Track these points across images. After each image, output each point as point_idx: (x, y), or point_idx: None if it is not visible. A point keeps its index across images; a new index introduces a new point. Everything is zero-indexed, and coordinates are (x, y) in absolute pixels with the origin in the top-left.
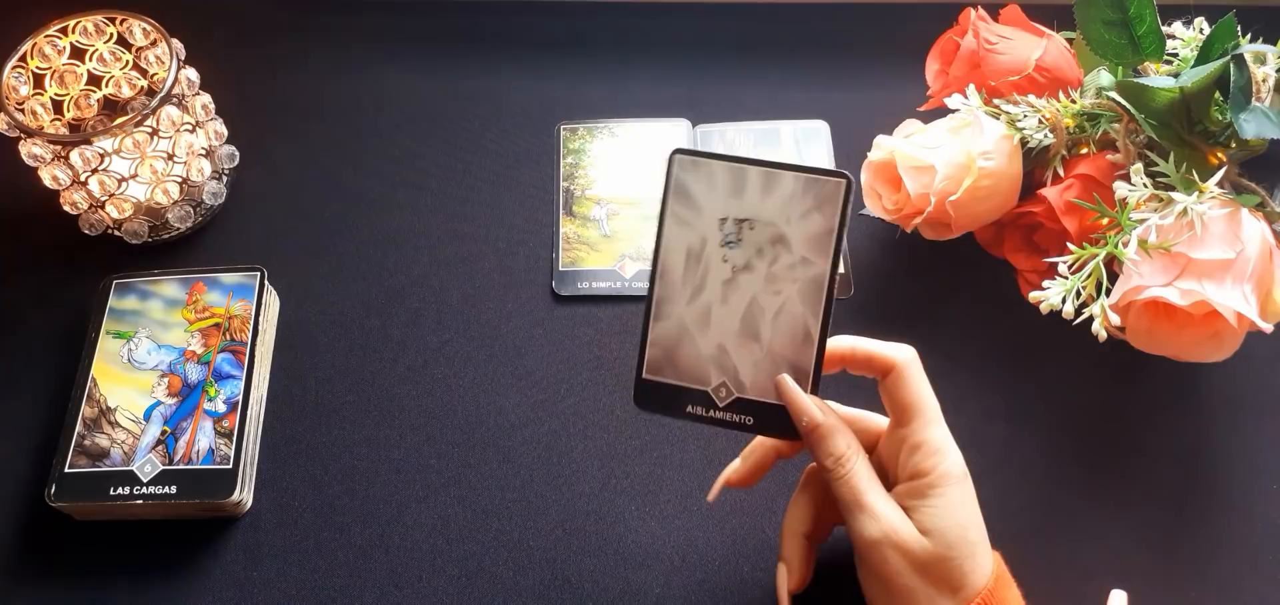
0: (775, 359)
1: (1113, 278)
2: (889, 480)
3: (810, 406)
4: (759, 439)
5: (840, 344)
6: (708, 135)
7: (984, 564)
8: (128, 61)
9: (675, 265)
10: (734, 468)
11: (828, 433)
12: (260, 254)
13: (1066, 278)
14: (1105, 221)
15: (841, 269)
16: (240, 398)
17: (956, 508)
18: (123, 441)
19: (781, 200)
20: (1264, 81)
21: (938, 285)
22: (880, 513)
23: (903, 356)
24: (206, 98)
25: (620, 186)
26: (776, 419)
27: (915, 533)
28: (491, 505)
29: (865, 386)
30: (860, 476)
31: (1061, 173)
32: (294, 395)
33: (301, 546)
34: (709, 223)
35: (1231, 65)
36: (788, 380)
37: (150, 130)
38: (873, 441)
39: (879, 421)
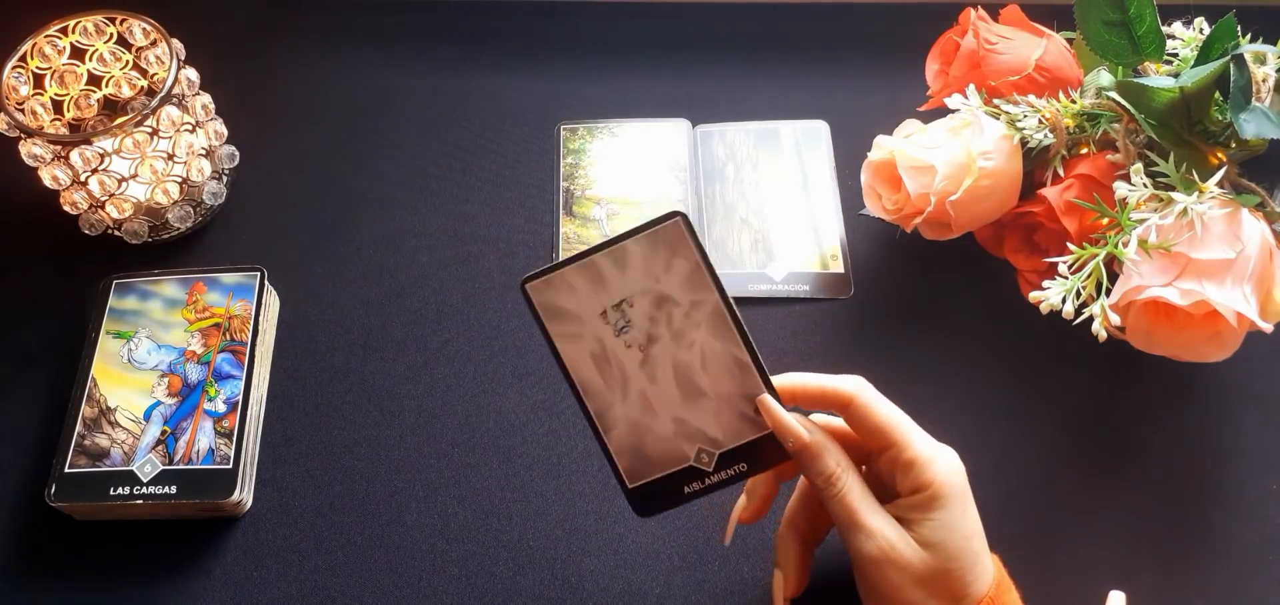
0: (726, 400)
1: (1113, 278)
2: (887, 492)
3: (795, 427)
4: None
5: (788, 382)
6: (707, 135)
7: (985, 571)
8: (128, 61)
9: (591, 377)
10: (742, 505)
11: (816, 452)
12: (260, 254)
13: (1066, 278)
14: (1105, 221)
15: (841, 269)
16: (240, 398)
17: (958, 520)
18: (123, 441)
19: (639, 267)
20: (1264, 81)
21: (938, 285)
22: (876, 530)
23: (855, 387)
24: (206, 98)
25: (620, 186)
26: (765, 451)
27: (915, 547)
28: (491, 505)
29: None
30: (852, 494)
31: (1061, 173)
32: (294, 395)
33: (301, 546)
34: (594, 322)
35: (1231, 65)
36: (771, 402)
37: (150, 130)
38: (866, 455)
39: None
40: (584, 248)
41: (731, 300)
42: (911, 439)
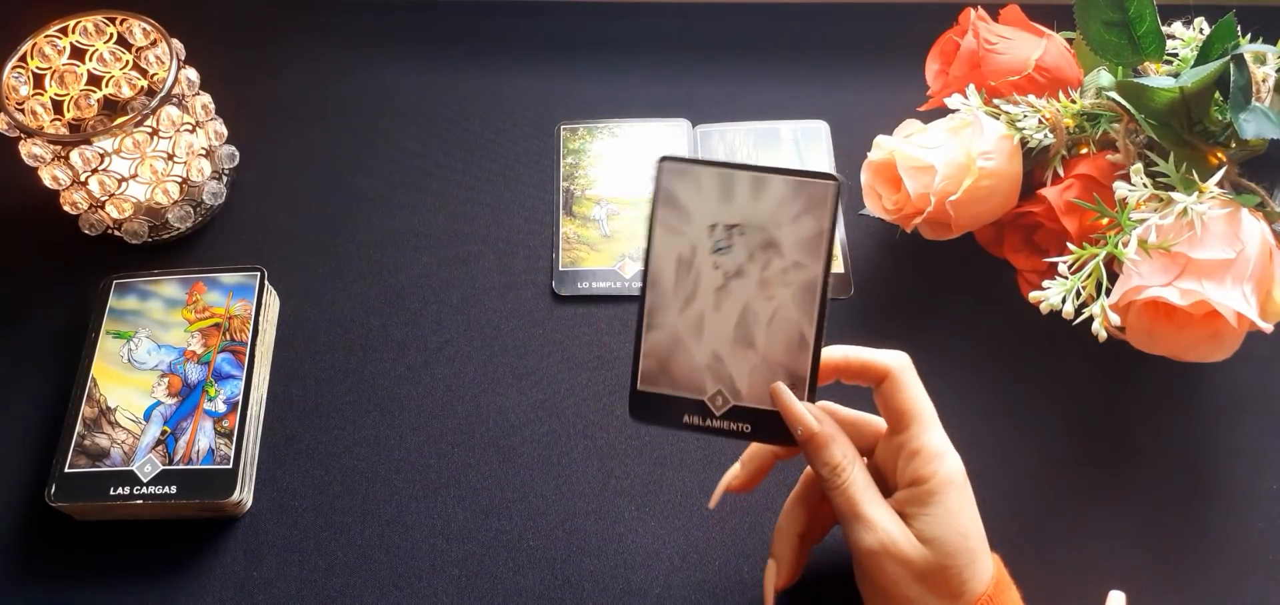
0: (771, 365)
1: (1113, 278)
2: (888, 486)
3: (805, 415)
4: (757, 444)
5: (832, 354)
6: (707, 135)
7: (984, 569)
8: (128, 61)
9: (666, 274)
10: (734, 473)
11: (824, 442)
12: (260, 254)
13: (1066, 278)
14: (1105, 221)
15: (841, 269)
16: (240, 398)
17: (956, 515)
18: (123, 441)
19: (771, 204)
20: (1264, 81)
21: (938, 285)
22: (878, 523)
23: (896, 362)
24: (206, 98)
25: (620, 186)
26: (774, 426)
27: (914, 541)
28: (491, 505)
29: (863, 389)
30: (856, 486)
31: (1061, 173)
32: (294, 395)
33: (301, 546)
34: (699, 229)
35: (1231, 65)
36: (783, 388)
37: (150, 130)
38: (871, 445)
39: (878, 424)
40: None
41: (829, 286)
42: (925, 428)
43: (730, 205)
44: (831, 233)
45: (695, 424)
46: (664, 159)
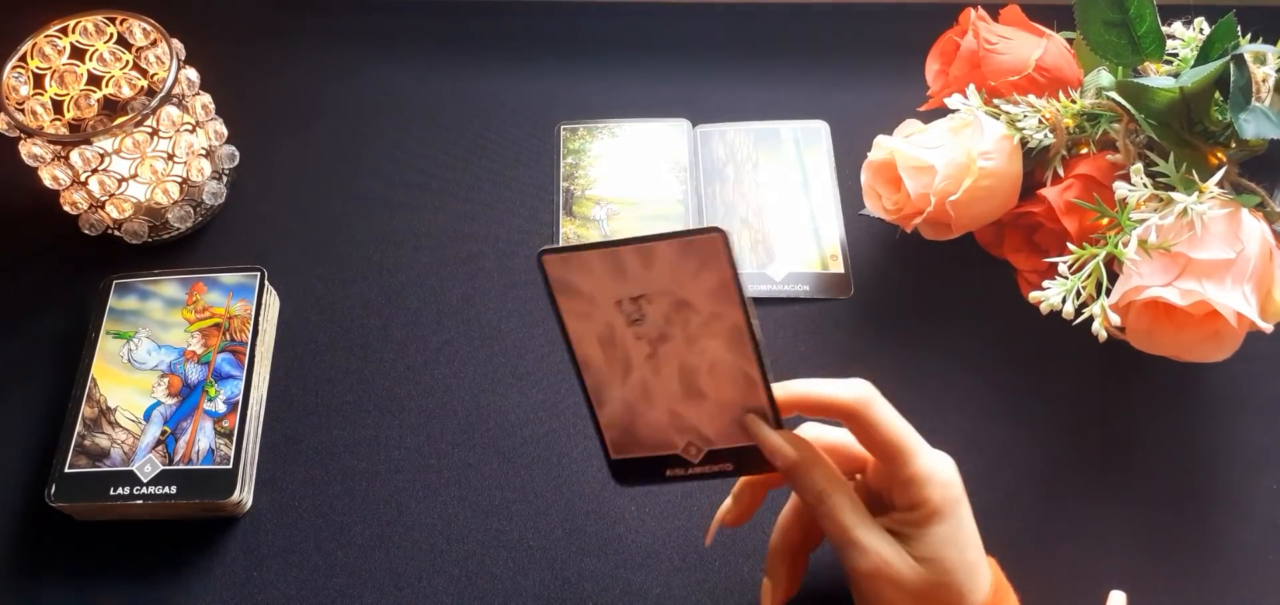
0: (727, 407)
1: (1113, 278)
2: (881, 504)
3: (783, 446)
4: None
5: (791, 390)
6: (707, 135)
7: (982, 581)
8: (128, 61)
9: (594, 355)
10: (727, 508)
11: (805, 471)
12: (260, 254)
13: (1066, 278)
14: (1105, 221)
15: (841, 269)
16: (240, 398)
17: (954, 534)
18: (123, 441)
19: (665, 268)
20: (1264, 81)
21: (938, 285)
22: (870, 547)
23: (859, 397)
24: (206, 98)
25: (620, 186)
26: (755, 457)
27: (910, 563)
28: (491, 505)
29: None
30: (844, 512)
31: (1061, 173)
32: (294, 395)
33: (301, 546)
34: (607, 308)
35: (1231, 65)
36: (757, 420)
37: (150, 130)
38: (861, 464)
39: None
40: (611, 238)
41: (755, 320)
42: (913, 455)
43: (626, 280)
44: (735, 278)
45: (679, 475)
46: (543, 253)
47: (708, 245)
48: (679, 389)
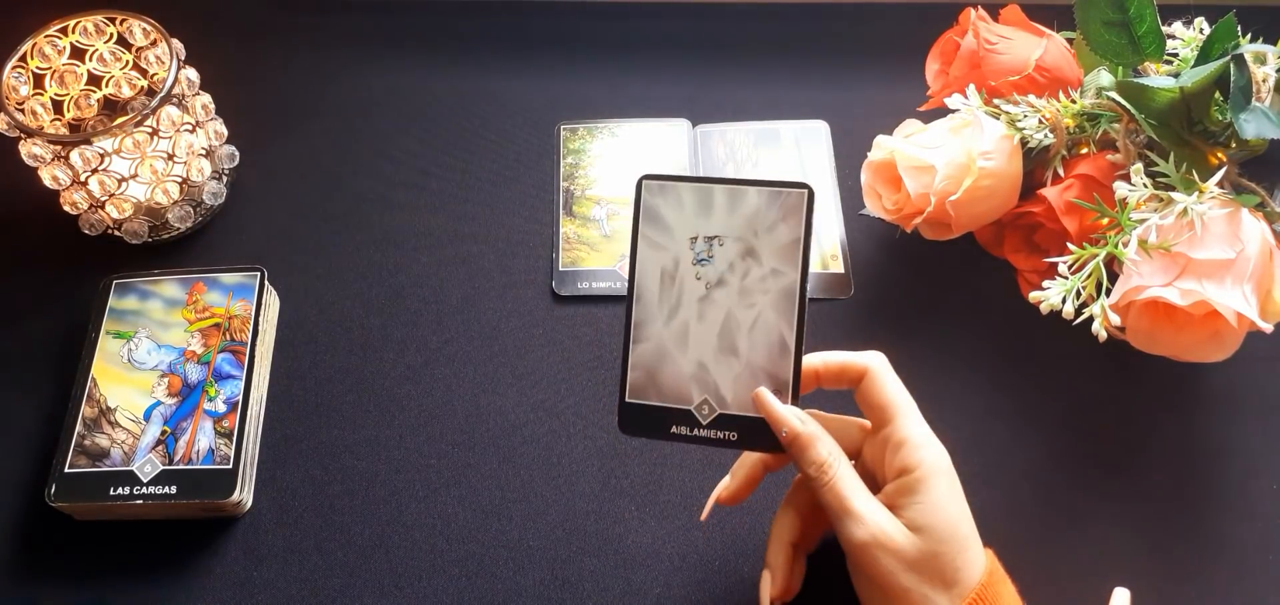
0: (754, 372)
1: (1113, 278)
2: (876, 483)
3: (788, 417)
4: (746, 455)
5: (811, 360)
6: (707, 135)
7: (976, 559)
8: (128, 61)
9: (651, 287)
10: (724, 485)
11: (808, 442)
12: (260, 254)
13: (1066, 278)
14: (1105, 221)
15: (841, 269)
16: (240, 398)
17: (945, 502)
18: (123, 441)
19: (748, 214)
20: (1264, 81)
21: (938, 285)
22: (867, 516)
23: (873, 362)
24: (206, 98)
25: (620, 186)
26: (759, 432)
27: (904, 531)
28: (491, 505)
29: (847, 394)
30: (844, 482)
31: (1061, 173)
32: (294, 395)
33: (301, 546)
34: (680, 242)
35: (1231, 65)
36: (765, 393)
37: (150, 130)
38: (856, 446)
39: (861, 424)
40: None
41: (807, 291)
42: (907, 420)
43: (710, 218)
44: (807, 239)
45: (682, 434)
46: (645, 178)
47: (793, 200)
48: (716, 341)
